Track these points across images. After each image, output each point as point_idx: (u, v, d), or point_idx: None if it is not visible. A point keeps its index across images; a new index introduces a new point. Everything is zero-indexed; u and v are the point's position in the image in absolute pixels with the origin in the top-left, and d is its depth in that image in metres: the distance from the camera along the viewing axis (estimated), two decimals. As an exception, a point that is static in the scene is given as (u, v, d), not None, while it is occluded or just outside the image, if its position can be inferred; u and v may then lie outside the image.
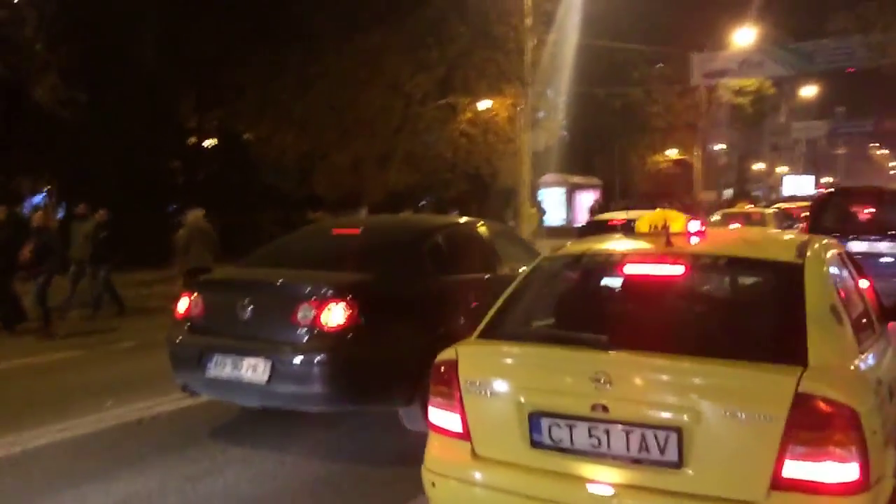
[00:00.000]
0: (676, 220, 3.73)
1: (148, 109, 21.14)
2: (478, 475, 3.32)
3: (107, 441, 6.12)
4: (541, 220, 32.07)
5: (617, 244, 3.95)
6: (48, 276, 11.42)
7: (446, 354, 3.53)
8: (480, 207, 36.81)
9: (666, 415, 2.94)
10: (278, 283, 5.90)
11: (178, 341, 6.08)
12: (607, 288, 3.75)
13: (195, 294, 6.13)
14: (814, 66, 25.12)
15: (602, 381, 3.00)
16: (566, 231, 31.56)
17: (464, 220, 7.64)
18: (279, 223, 30.66)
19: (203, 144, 27.45)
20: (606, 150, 42.58)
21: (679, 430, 2.89)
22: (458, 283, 6.48)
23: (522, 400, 3.21)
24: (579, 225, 34.95)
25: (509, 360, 3.46)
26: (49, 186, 31.04)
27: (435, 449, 3.56)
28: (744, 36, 30.60)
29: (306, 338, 5.45)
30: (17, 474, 5.39)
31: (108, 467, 5.43)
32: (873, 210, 10.24)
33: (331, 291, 5.47)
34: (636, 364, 3.08)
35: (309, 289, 5.57)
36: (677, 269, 3.50)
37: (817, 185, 77.08)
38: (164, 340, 10.76)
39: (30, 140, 18.75)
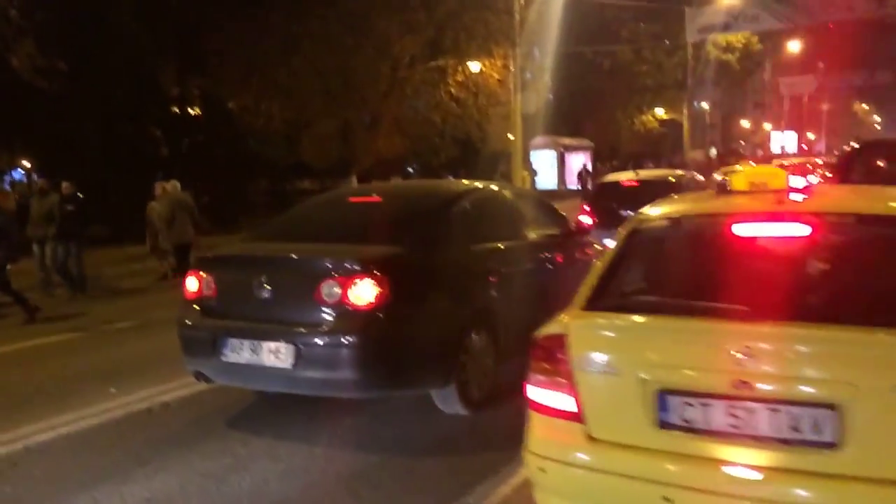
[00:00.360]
0: (776, 177, 3.34)
1: (129, 78, 20.30)
2: (596, 459, 2.99)
3: (115, 434, 5.63)
4: (532, 183, 31.63)
5: (720, 203, 3.52)
6: (2, 261, 10.17)
7: (552, 328, 3.19)
8: (468, 172, 36.31)
9: (821, 391, 2.65)
10: (298, 259, 5.37)
11: (189, 324, 5.54)
12: (722, 252, 3.32)
13: (205, 272, 5.60)
14: (811, 18, 24.56)
15: (745, 356, 2.70)
16: (559, 194, 31.12)
17: (485, 183, 7.12)
18: (268, 193, 30.08)
19: (187, 112, 26.60)
20: (594, 112, 42.03)
21: (836, 408, 2.59)
22: (489, 253, 5.99)
23: (647, 377, 2.90)
24: (573, 188, 34.64)
25: (630, 334, 3.12)
26: (27, 162, 30.19)
27: (541, 431, 3.20)
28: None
29: (333, 318, 4.97)
30: (20, 476, 4.90)
31: (120, 465, 4.96)
32: (900, 162, 9.85)
33: (357, 266, 4.98)
34: (785, 336, 2.75)
35: (333, 264, 5.07)
36: (802, 230, 3.11)
37: (801, 141, 77.10)
38: (161, 320, 10.34)
39: (7, 112, 17.95)
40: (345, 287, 4.94)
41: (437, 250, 5.55)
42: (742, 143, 73.03)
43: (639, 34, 35.92)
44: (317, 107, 24.62)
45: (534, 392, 3.21)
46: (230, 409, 5.99)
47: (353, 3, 23.48)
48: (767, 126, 70.32)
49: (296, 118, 24.73)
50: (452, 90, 27.21)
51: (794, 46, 57.19)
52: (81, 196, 12.65)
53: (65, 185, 12.73)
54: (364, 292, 4.92)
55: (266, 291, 5.19)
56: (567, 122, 38.25)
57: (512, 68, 25.82)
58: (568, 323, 3.16)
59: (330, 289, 4.98)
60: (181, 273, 13.33)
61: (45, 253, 12.34)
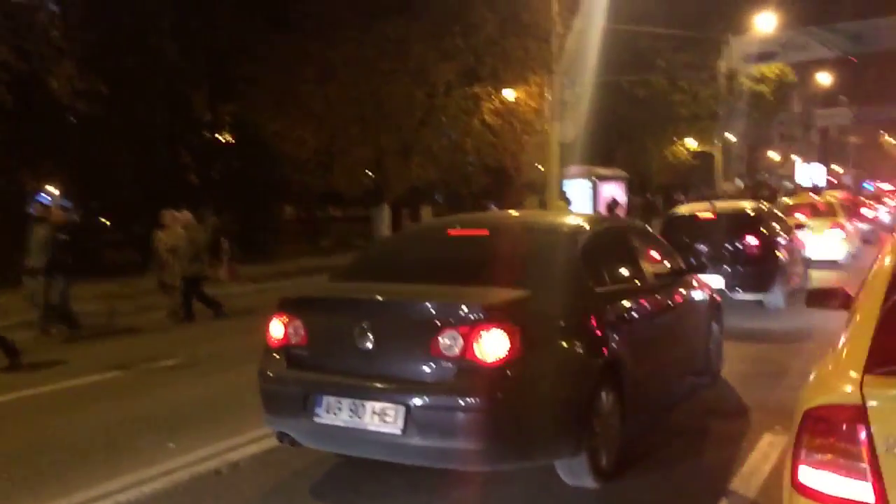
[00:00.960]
0: None
1: (165, 103, 19.78)
2: None
3: (183, 504, 4.83)
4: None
5: None
6: None
7: (838, 396, 2.49)
8: (497, 202, 35.62)
9: None
10: (408, 303, 4.57)
11: (273, 377, 4.76)
12: None
13: (292, 317, 4.81)
14: (861, 47, 23.84)
15: None
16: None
17: (602, 217, 6.35)
18: (297, 220, 29.47)
19: (218, 139, 26.08)
20: (626, 142, 41.27)
21: None
22: (613, 296, 5.20)
23: None
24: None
25: None
26: (53, 188, 29.72)
27: None
28: (768, 21, 29.20)
29: (452, 375, 4.18)
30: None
31: (197, 548, 4.16)
32: None
33: (483, 314, 4.19)
34: None
35: (452, 310, 4.27)
36: None
37: (828, 174, 76.05)
38: (209, 357, 9.58)
39: (37, 134, 17.40)
40: (469, 339, 4.15)
41: (565, 294, 4.75)
42: (766, 174, 72.12)
43: (675, 64, 35.27)
44: (351, 134, 24.07)
45: (810, 476, 2.50)
46: (312, 473, 5.19)
47: (390, 28, 22.99)
48: (796, 158, 69.35)
49: (329, 145, 24.16)
50: (487, 118, 26.62)
51: (824, 78, 56.41)
52: (91, 221, 11.80)
53: (55, 211, 11.85)
54: (492, 345, 4.13)
55: (369, 341, 4.41)
56: (599, 151, 37.54)
57: (549, 96, 25.20)
58: (869, 391, 2.43)
59: (449, 340, 4.20)
60: (187, 310, 12.46)
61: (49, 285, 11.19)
